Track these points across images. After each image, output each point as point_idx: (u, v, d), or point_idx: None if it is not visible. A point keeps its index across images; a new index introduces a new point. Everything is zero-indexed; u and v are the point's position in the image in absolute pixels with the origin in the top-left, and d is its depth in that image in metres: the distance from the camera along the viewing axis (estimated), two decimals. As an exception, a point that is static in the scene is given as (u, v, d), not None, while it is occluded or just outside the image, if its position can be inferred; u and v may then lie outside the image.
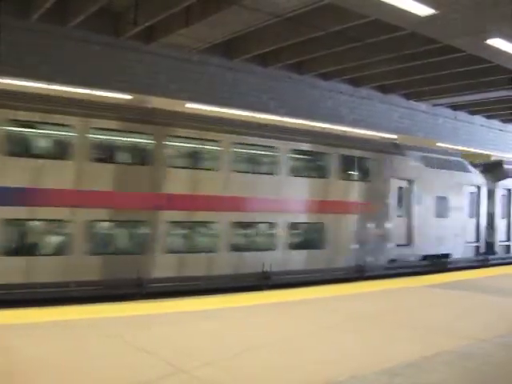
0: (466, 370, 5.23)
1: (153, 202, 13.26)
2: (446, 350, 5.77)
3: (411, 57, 18.04)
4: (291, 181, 15.60)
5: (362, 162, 17.52)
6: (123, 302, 8.94)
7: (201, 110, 17.71)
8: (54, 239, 12.46)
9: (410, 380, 4.88)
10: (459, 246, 20.78)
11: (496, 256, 22.32)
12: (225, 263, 14.13)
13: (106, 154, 13.09)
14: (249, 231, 15.35)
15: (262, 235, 15.62)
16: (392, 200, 18.23)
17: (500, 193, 23.14)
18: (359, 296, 9.75)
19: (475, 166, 22.81)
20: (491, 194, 22.78)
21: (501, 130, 31.25)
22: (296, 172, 15.86)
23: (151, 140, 13.35)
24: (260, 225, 15.48)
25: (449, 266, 18.74)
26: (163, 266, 13.17)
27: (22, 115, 11.70)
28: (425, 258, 19.09)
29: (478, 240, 22.31)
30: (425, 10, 11.23)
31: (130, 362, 5.19)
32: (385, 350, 5.91)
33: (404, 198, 18.69)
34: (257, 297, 9.82)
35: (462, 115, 28.49)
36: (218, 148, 14.40)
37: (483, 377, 5.10)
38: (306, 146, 16.13)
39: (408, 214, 18.82)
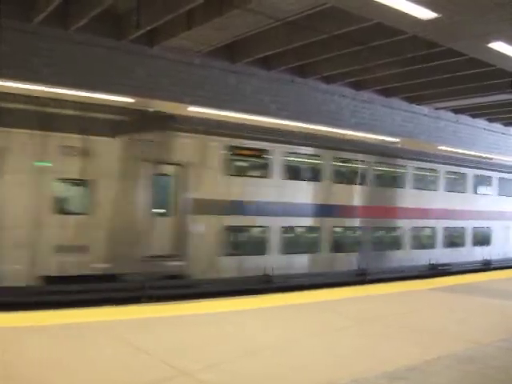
0: (467, 373, 5.23)
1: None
2: (447, 354, 5.76)
3: (413, 60, 18.05)
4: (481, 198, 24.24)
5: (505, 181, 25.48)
6: (127, 305, 8.94)
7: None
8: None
9: None
10: None
11: (499, 259, 22.50)
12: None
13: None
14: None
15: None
16: None
17: None
18: (362, 299, 9.74)
19: None
20: None
21: (503, 134, 31.21)
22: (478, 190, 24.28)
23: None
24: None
25: (452, 270, 19.08)
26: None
27: None
28: None
29: None
30: (427, 14, 11.24)
31: (132, 364, 5.20)
32: (386, 353, 5.90)
33: None
34: (260, 300, 9.82)
35: (464, 118, 28.46)
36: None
37: (485, 381, 5.09)
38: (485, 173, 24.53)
39: None
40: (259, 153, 16.89)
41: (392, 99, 24.41)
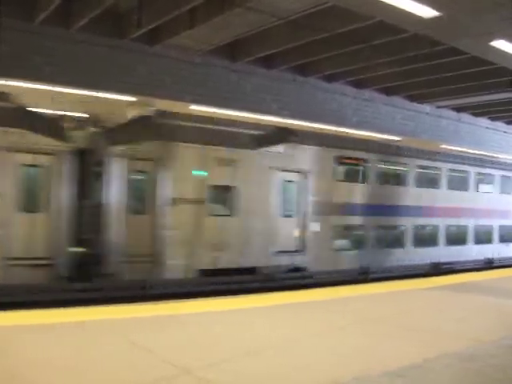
0: (468, 371, 5.24)
1: None
2: (448, 352, 5.77)
3: (415, 59, 18.02)
4: None
5: None
6: (129, 304, 8.96)
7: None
8: None
9: (411, 382, 4.89)
10: None
11: (502, 257, 21.93)
12: None
13: None
14: None
15: None
16: None
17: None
18: (364, 298, 9.75)
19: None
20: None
21: (505, 132, 31.13)
22: None
23: None
24: None
25: (453, 268, 18.81)
26: None
27: None
28: None
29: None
30: (429, 12, 11.21)
31: (134, 363, 5.21)
32: (387, 352, 5.91)
33: None
34: (263, 299, 9.83)
35: (466, 117, 28.38)
36: None
37: (486, 379, 5.10)
38: None
39: None
40: None
41: (394, 98, 24.34)
